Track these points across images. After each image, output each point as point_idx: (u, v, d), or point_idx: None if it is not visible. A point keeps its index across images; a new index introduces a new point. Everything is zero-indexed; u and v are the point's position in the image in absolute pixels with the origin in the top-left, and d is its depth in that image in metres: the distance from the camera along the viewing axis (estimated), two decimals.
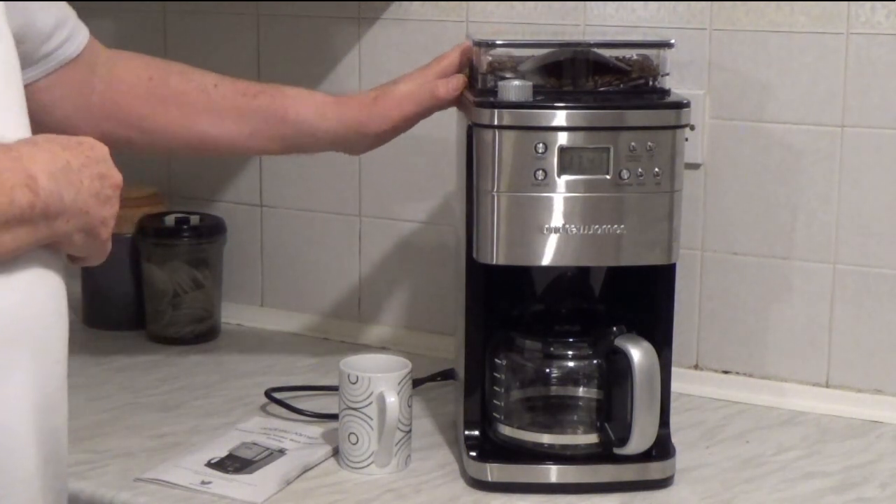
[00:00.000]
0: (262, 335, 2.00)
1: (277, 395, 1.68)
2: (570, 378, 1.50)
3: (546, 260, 1.42)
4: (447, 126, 1.71)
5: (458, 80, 1.53)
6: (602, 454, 1.46)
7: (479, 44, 1.49)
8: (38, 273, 1.08)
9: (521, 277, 1.53)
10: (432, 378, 1.75)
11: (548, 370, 1.50)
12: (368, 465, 1.48)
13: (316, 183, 1.98)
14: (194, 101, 1.53)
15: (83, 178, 1.08)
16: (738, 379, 1.75)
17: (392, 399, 1.45)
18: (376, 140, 1.58)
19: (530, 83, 1.41)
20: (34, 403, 1.07)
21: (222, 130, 1.54)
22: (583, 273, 1.54)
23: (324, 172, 1.97)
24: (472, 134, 1.42)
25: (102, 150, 1.12)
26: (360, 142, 1.57)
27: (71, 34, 1.44)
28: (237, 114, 1.53)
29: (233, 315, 2.03)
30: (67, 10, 1.44)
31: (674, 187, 1.42)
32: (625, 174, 1.40)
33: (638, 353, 1.40)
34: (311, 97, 1.56)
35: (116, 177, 1.13)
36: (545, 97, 1.42)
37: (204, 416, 1.66)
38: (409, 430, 1.50)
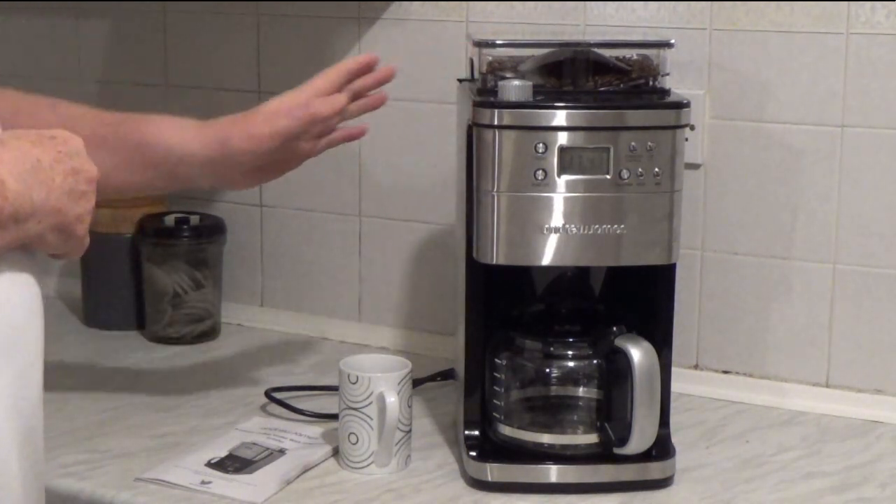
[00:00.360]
0: (262, 335, 2.00)
1: (277, 395, 1.68)
2: (570, 378, 1.50)
3: (546, 260, 1.42)
4: (447, 126, 1.71)
5: (338, 99, 1.48)
6: (602, 454, 1.46)
7: (479, 44, 1.49)
8: (10, 275, 1.04)
9: (521, 277, 1.53)
10: (432, 378, 1.75)
11: (548, 370, 1.50)
12: (368, 465, 1.48)
13: (316, 183, 1.98)
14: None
15: (55, 175, 1.04)
16: (738, 379, 1.75)
17: (392, 399, 1.45)
18: (248, 159, 1.47)
19: (530, 83, 1.41)
20: (12, 407, 1.05)
21: None
22: (583, 273, 1.54)
23: (324, 172, 1.97)
24: (472, 134, 1.42)
25: (76, 144, 1.08)
26: (231, 164, 1.47)
27: None
28: (100, 143, 1.43)
29: (233, 315, 2.03)
30: None
31: (674, 187, 1.42)
32: (625, 174, 1.40)
33: (638, 353, 1.40)
34: (176, 121, 1.48)
35: (91, 170, 1.09)
36: (545, 97, 1.42)
37: (204, 416, 1.66)
38: (409, 430, 1.50)
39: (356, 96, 1.54)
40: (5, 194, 0.99)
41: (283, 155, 1.51)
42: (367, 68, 1.53)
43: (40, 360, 1.10)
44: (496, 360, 1.49)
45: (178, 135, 1.46)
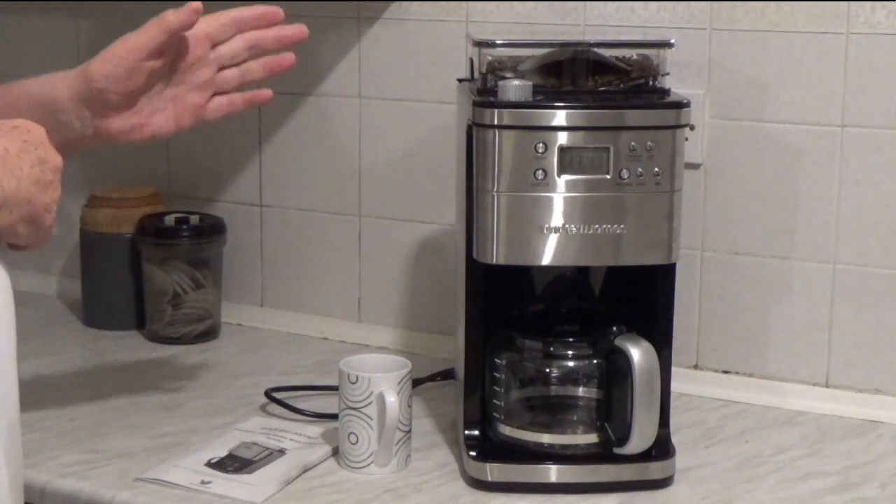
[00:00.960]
0: (262, 335, 2.00)
1: (277, 395, 1.68)
2: (570, 378, 1.50)
3: (546, 260, 1.42)
4: (447, 126, 1.71)
5: (191, 6, 1.36)
6: (602, 454, 1.46)
7: (479, 44, 1.49)
8: None
9: (521, 277, 1.53)
10: (432, 378, 1.75)
11: (548, 370, 1.50)
12: (368, 464, 1.48)
13: (316, 183, 1.98)
14: None
15: (23, 164, 1.04)
16: (738, 379, 1.75)
17: (392, 399, 1.45)
18: (112, 85, 1.36)
19: (530, 83, 1.41)
20: None
21: None
22: (583, 273, 1.54)
23: (324, 172, 1.97)
24: (472, 134, 1.42)
25: (39, 133, 1.08)
26: (100, 97, 1.37)
27: None
28: None
29: (233, 315, 2.03)
30: None
31: (674, 187, 1.42)
32: (625, 174, 1.40)
33: (638, 353, 1.40)
34: (49, 75, 1.40)
35: (56, 160, 1.09)
36: (545, 97, 1.42)
37: (204, 416, 1.66)
38: (409, 430, 1.50)
39: (256, 51, 1.45)
40: None
41: (161, 95, 1.41)
42: (261, 20, 1.44)
43: (13, 351, 1.08)
44: (496, 360, 1.49)
45: (43, 81, 1.39)
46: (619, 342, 1.42)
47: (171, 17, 1.36)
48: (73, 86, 1.38)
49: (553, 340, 1.49)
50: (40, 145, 1.08)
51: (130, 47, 1.37)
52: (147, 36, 1.37)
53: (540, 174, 1.39)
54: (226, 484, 1.45)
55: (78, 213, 2.01)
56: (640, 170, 1.40)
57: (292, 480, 1.47)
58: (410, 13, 1.87)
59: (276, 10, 1.45)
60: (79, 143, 1.41)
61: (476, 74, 1.51)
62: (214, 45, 1.43)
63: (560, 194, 1.40)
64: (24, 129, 1.07)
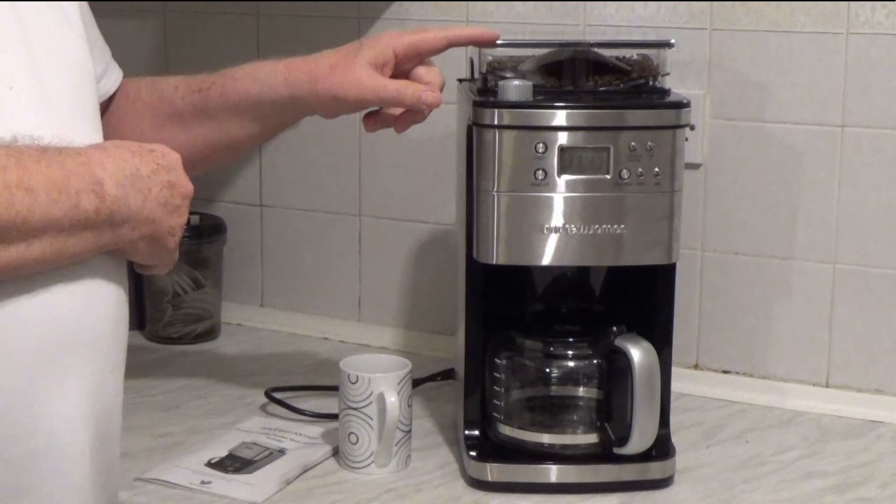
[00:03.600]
0: (262, 335, 2.00)
1: (277, 395, 1.68)
2: (571, 378, 1.50)
3: (546, 260, 1.42)
4: (447, 126, 1.71)
5: (436, 97, 1.41)
6: (602, 454, 1.46)
7: None
8: (99, 281, 1.08)
9: (521, 277, 1.53)
10: (432, 378, 1.75)
11: (548, 370, 1.50)
12: (368, 464, 1.48)
13: (316, 183, 1.98)
14: (164, 110, 1.45)
15: (152, 185, 1.07)
16: (738, 379, 1.75)
17: (392, 399, 1.45)
18: (330, 111, 1.45)
19: (530, 83, 1.41)
20: (89, 411, 1.07)
21: (195, 136, 1.45)
22: (583, 273, 1.54)
23: (324, 172, 1.97)
24: (472, 134, 1.42)
25: (174, 158, 1.11)
26: (316, 108, 1.44)
27: (106, 70, 1.38)
28: (197, 114, 1.44)
29: (233, 315, 2.03)
30: (104, 47, 1.38)
31: (674, 187, 1.42)
32: (625, 174, 1.40)
33: (638, 353, 1.40)
34: (259, 71, 1.44)
35: (187, 186, 1.12)
36: (545, 97, 1.42)
37: (204, 416, 1.66)
38: (409, 430, 1.50)
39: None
40: (104, 196, 1.02)
41: None
42: (480, 43, 1.46)
43: (121, 367, 1.12)
44: (496, 360, 1.49)
45: (266, 85, 1.42)
46: (619, 342, 1.42)
47: (413, 102, 1.40)
48: (293, 90, 1.41)
49: (553, 340, 1.49)
50: (173, 170, 1.11)
51: (361, 102, 1.41)
52: (380, 103, 1.42)
53: (540, 174, 1.39)
54: (226, 484, 1.45)
55: None
56: (640, 170, 1.40)
57: (292, 480, 1.47)
58: (410, 13, 1.87)
59: (497, 35, 1.46)
60: (279, 126, 1.48)
61: (476, 74, 1.51)
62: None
63: (560, 194, 1.40)
64: (160, 154, 1.10)
